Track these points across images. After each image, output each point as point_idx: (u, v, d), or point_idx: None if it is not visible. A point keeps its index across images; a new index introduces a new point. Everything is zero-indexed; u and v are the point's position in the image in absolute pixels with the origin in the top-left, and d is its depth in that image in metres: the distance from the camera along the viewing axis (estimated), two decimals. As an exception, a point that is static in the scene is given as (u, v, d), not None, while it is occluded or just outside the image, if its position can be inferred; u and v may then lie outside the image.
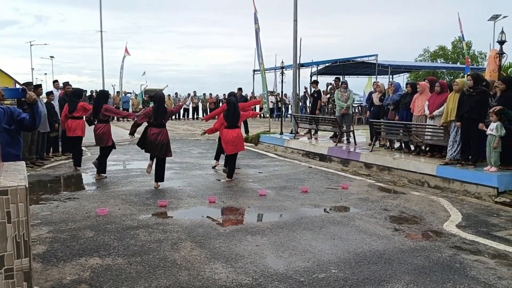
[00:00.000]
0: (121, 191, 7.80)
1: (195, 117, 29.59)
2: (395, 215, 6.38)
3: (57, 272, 4.28)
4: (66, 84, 12.07)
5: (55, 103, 11.65)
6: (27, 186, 2.51)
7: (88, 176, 9.29)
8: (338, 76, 15.85)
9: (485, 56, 43.97)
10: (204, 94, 30.70)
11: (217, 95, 31.07)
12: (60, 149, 11.92)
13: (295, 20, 14.77)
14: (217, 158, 10.23)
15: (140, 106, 28.02)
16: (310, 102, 19.72)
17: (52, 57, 64.19)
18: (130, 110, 27.63)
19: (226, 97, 11.12)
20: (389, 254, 4.75)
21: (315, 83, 15.98)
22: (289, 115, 25.38)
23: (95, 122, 9.01)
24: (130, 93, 29.61)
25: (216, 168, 9.97)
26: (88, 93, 26.28)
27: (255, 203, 6.99)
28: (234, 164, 8.91)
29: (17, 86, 30.10)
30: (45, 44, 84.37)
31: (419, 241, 5.22)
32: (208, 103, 29.70)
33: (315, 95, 15.41)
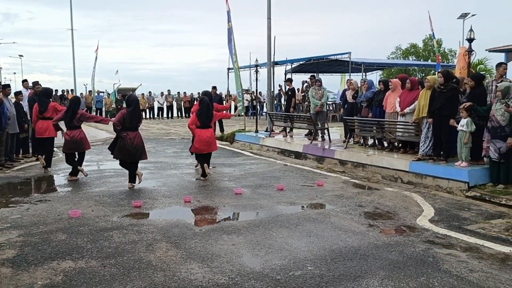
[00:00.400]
0: (94, 192, 7.65)
1: (170, 116, 29.33)
2: (369, 211, 6.46)
3: (28, 277, 4.17)
4: (36, 83, 11.78)
5: (24, 103, 11.35)
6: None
7: (60, 177, 9.09)
8: (314, 74, 15.91)
9: (455, 53, 44.90)
10: (179, 92, 30.44)
11: (192, 93, 30.84)
12: (30, 151, 11.61)
13: (269, 18, 14.78)
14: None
15: (113, 105, 27.58)
16: (285, 100, 19.78)
17: (21, 56, 62.67)
18: (103, 109, 27.20)
19: (201, 95, 11.01)
20: (364, 250, 4.80)
21: (289, 81, 16.03)
22: (264, 113, 25.41)
23: (65, 129, 8.77)
24: (103, 92, 29.11)
25: (198, 167, 9.83)
26: (60, 93, 25.72)
27: (230, 202, 6.96)
28: (208, 163, 8.84)
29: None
30: (14, 42, 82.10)
31: (393, 236, 5.30)
32: (182, 102, 29.47)
33: (290, 93, 15.46)
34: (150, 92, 31.73)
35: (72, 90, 27.56)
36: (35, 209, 6.52)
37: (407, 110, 9.27)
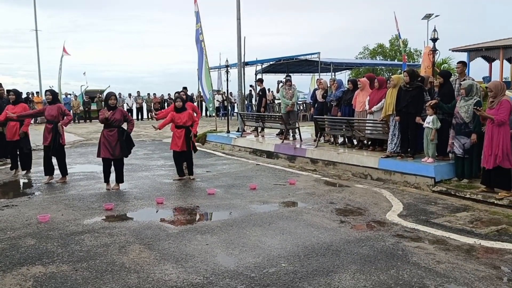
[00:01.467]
0: (63, 196, 7.51)
1: (140, 117, 28.97)
2: (340, 207, 6.57)
3: (-4, 283, 4.07)
4: (-1, 86, 11.44)
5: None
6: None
7: (27, 181, 8.87)
8: (289, 74, 16.02)
9: (420, 53, 46.06)
10: (148, 94, 30.13)
11: (162, 95, 30.58)
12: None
13: (239, 19, 14.82)
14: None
15: (81, 107, 27.04)
16: (256, 100, 19.87)
17: (-18, 58, 60.56)
18: (71, 111, 26.60)
19: (173, 97, 10.96)
20: (336, 246, 4.89)
21: (260, 81, 16.13)
22: (235, 114, 25.44)
23: None
24: (70, 94, 28.49)
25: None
26: (24, 95, 25.04)
27: (203, 202, 6.96)
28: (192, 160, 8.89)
29: None
30: (-26, 43, 79.32)
31: (364, 232, 5.41)
32: (152, 103, 29.18)
33: (260, 93, 15.56)
34: (119, 93, 31.26)
35: (37, 92, 26.87)
36: (2, 215, 6.35)
37: (374, 108, 9.47)
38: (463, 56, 22.97)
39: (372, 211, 6.36)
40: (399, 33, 22.99)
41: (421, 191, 7.62)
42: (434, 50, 9.23)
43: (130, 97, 29.12)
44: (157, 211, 6.55)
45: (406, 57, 24.25)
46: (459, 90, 8.41)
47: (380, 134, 9.41)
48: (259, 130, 14.21)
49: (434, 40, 9.12)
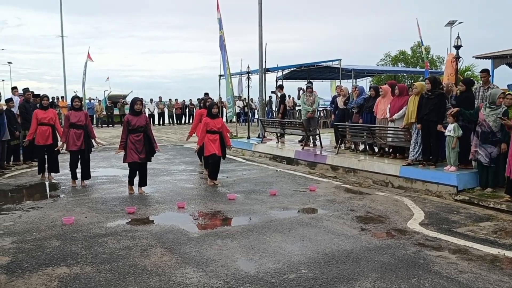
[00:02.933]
0: (87, 199, 7.66)
1: (161, 123, 29.29)
2: (361, 215, 6.54)
3: (22, 283, 4.18)
4: (26, 90, 11.77)
5: (15, 110, 11.32)
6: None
7: (52, 184, 9.07)
8: (310, 81, 16.01)
9: (443, 60, 45.44)
10: (170, 99, 30.44)
11: (184, 100, 30.86)
12: (21, 158, 11.57)
13: (260, 26, 14.91)
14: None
15: (104, 112, 27.50)
16: (276, 107, 19.92)
17: (10, 63, 62.15)
18: (94, 116, 27.10)
19: (194, 103, 11.16)
20: (357, 253, 4.88)
21: (280, 87, 16.17)
22: (255, 120, 25.51)
23: None
24: (94, 99, 29.03)
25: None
26: (50, 100, 25.61)
27: (224, 207, 7.01)
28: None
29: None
30: (2, 49, 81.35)
31: (384, 240, 5.38)
32: (174, 109, 29.47)
33: (280, 99, 15.62)
34: (142, 98, 31.67)
35: (62, 97, 27.43)
36: (28, 216, 6.51)
37: (395, 116, 9.41)
38: (487, 64, 22.60)
39: (393, 219, 6.32)
40: (421, 40, 22.85)
41: (443, 200, 7.53)
42: (457, 58, 9.13)
43: (151, 102, 29.47)
44: (178, 215, 6.62)
45: (428, 64, 23.99)
46: (483, 98, 8.35)
47: (402, 142, 9.33)
48: (279, 136, 14.24)
49: (458, 47, 9.02)
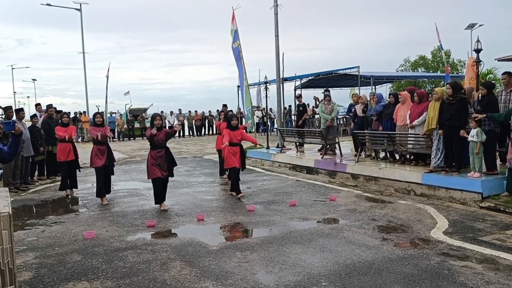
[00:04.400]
0: (108, 212, 7.73)
1: (181, 135, 29.49)
2: (383, 224, 6.43)
3: (44, 298, 4.21)
4: (49, 106, 12.00)
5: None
6: (10, 212, 2.49)
7: (74, 199, 9.19)
8: (328, 89, 15.91)
9: (464, 63, 44.78)
10: (190, 111, 30.68)
11: (203, 112, 31.05)
12: (45, 173, 11.77)
13: (277, 36, 14.93)
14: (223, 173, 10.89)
15: (125, 126, 27.85)
16: (295, 115, 19.87)
17: (34, 80, 63.79)
18: (116, 129, 27.46)
19: (220, 113, 11.25)
20: (379, 264, 4.78)
21: (300, 96, 16.13)
22: (274, 129, 25.48)
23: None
24: (115, 113, 29.45)
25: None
26: (72, 115, 26.11)
27: (244, 219, 6.98)
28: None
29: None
30: (27, 67, 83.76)
31: (407, 250, 5.26)
32: (194, 120, 29.67)
33: (301, 109, 15.57)
34: (162, 111, 32.00)
35: (84, 112, 27.94)
36: (50, 231, 6.60)
37: (415, 122, 9.27)
38: (510, 66, 22.16)
39: (416, 228, 6.18)
40: (440, 44, 22.51)
41: (467, 207, 7.34)
42: (478, 61, 8.94)
43: (171, 115, 29.75)
44: (197, 228, 6.62)
45: (449, 68, 23.65)
46: (506, 101, 8.15)
47: (423, 148, 9.17)
48: (298, 145, 14.18)
49: (478, 51, 8.84)
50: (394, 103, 10.28)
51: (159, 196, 7.91)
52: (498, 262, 4.75)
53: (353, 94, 13.24)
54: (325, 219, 6.91)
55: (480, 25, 29.67)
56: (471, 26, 29.75)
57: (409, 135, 9.46)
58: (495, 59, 21.60)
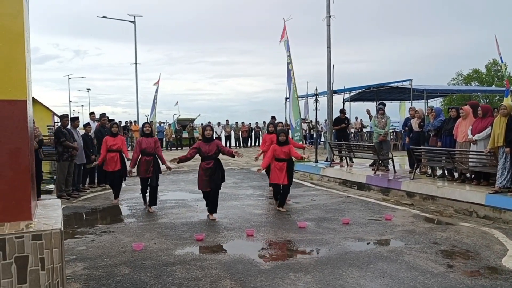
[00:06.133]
0: (156, 224, 7.63)
1: (228, 145, 29.56)
2: (446, 249, 5.94)
3: (93, 313, 4.08)
4: (103, 115, 12.20)
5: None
6: (62, 229, 2.33)
7: (123, 207, 9.20)
8: (383, 102, 15.29)
9: (524, 77, 42.70)
10: (237, 122, 30.72)
11: (250, 123, 31.01)
12: (96, 181, 11.94)
13: (329, 47, 14.63)
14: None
15: (173, 135, 28.21)
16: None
17: (88, 89, 66.30)
18: (164, 139, 27.85)
19: (269, 125, 11.00)
20: (447, 295, 4.35)
21: (343, 112, 15.55)
22: (321, 142, 25.03)
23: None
24: (164, 122, 29.93)
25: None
26: (123, 124, 26.72)
27: (295, 237, 6.68)
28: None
29: (55, 118, 30.83)
30: (82, 77, 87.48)
31: (477, 279, 4.79)
32: (240, 132, 29.68)
33: (346, 123, 15.06)
34: (209, 122, 32.25)
35: (135, 121, 28.53)
36: (100, 241, 6.55)
37: (476, 137, 8.72)
38: None
39: (483, 255, 5.66)
40: (500, 56, 21.38)
41: (540, 233, 6.71)
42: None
43: (219, 126, 29.88)
44: (247, 244, 6.37)
45: (508, 82, 22.40)
46: None
47: (487, 167, 8.56)
48: (347, 161, 13.72)
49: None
50: (455, 118, 9.71)
51: (209, 206, 7.98)
52: None
53: (410, 108, 12.66)
54: (382, 240, 6.49)
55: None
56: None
57: (471, 152, 8.87)
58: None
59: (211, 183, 7.76)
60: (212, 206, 7.94)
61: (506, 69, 41.12)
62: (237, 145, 29.93)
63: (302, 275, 4.98)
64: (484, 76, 47.91)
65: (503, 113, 7.91)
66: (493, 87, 39.50)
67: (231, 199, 9.96)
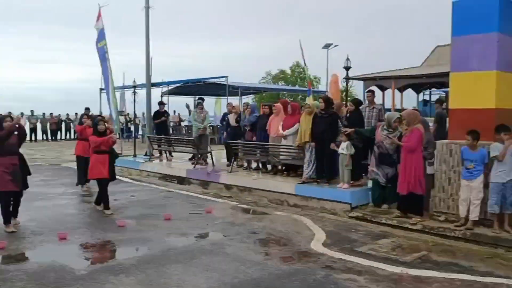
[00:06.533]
0: None
1: (34, 139, 26.55)
2: (263, 237, 6.32)
3: None
4: None
5: None
6: None
7: None
8: (202, 97, 15.32)
9: (319, 80, 48.81)
10: (44, 113, 27.81)
11: (59, 114, 28.39)
12: None
13: (147, 38, 14.20)
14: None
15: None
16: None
17: None
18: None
19: (82, 117, 10.14)
20: (267, 282, 4.61)
21: (162, 104, 15.36)
22: (139, 136, 24.38)
23: None
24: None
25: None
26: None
27: (114, 236, 6.28)
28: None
29: None
30: None
31: (292, 264, 5.19)
32: (49, 124, 26.96)
33: (166, 116, 14.92)
34: (9, 112, 28.48)
35: None
36: None
37: (286, 132, 9.48)
38: (360, 84, 24.48)
39: (295, 240, 6.18)
40: (304, 60, 23.87)
41: (338, 217, 7.62)
42: (347, 78, 9.55)
43: (22, 116, 26.63)
44: (60, 249, 5.75)
45: (311, 83, 25.20)
46: (369, 117, 8.75)
47: (296, 160, 9.39)
48: (167, 154, 13.59)
49: (347, 68, 9.43)
50: (268, 114, 10.41)
51: (10, 214, 6.68)
52: (377, 273, 4.91)
53: (228, 103, 13.15)
54: (205, 233, 6.59)
55: (335, 46, 32.16)
56: (327, 46, 32.11)
57: (282, 146, 9.63)
58: (343, 78, 23.83)
59: (17, 183, 6.75)
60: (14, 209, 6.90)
61: (307, 71, 46.44)
62: (45, 138, 27.17)
63: (124, 277, 4.70)
64: (289, 76, 53.05)
65: (307, 111, 8.77)
66: (297, 87, 44.03)
67: (40, 198, 8.88)
